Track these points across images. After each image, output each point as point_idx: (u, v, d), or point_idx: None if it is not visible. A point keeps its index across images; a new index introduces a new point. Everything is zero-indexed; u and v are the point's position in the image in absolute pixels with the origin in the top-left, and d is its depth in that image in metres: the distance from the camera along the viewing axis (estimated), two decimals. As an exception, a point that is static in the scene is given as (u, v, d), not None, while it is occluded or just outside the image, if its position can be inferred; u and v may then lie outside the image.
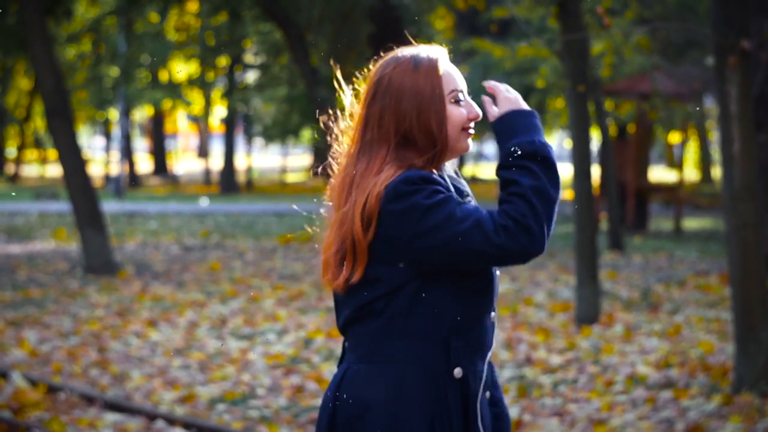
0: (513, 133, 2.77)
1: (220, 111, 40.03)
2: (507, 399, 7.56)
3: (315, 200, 3.07)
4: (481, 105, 2.88)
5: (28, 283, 13.30)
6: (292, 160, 52.40)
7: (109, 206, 24.08)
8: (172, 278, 13.87)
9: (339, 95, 2.99)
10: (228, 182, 36.56)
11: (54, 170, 45.89)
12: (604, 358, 8.79)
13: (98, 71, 33.37)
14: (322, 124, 3.04)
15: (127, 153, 38.10)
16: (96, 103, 36.93)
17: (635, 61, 14.20)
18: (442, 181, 2.78)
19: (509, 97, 2.84)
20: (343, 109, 2.97)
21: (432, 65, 2.84)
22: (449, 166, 2.93)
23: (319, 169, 3.02)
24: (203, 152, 46.99)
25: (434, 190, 2.72)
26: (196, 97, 38.94)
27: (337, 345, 9.19)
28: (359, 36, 17.28)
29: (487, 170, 49.46)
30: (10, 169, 44.19)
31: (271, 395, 7.81)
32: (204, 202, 30.62)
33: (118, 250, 16.30)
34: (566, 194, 20.03)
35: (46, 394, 7.59)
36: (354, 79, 2.97)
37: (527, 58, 13.21)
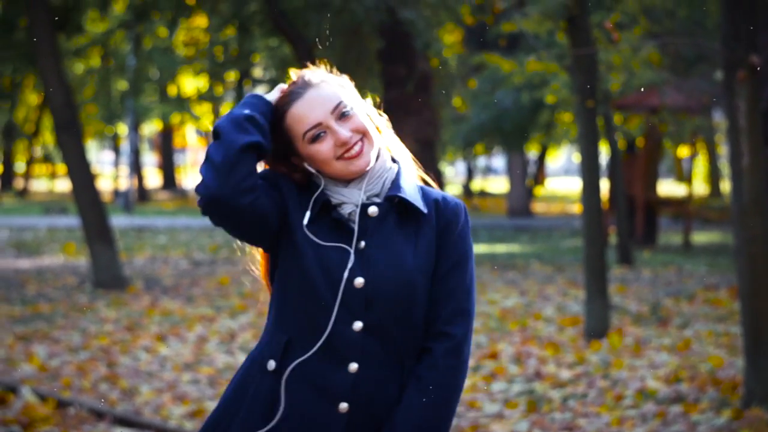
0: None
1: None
2: (516, 413, 7.57)
3: None
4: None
5: (38, 298, 13.31)
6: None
7: (118, 221, 24.12)
8: (181, 293, 13.88)
9: None
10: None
11: (63, 185, 45.99)
12: (613, 373, 8.78)
13: (107, 86, 33.43)
14: None
15: (136, 167, 38.17)
16: (105, 117, 36.98)
17: (644, 75, 14.19)
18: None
19: None
20: None
21: (281, 117, 3.02)
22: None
23: None
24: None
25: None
26: (205, 112, 39.01)
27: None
28: (368, 51, 17.31)
29: (496, 184, 49.41)
30: (19, 183, 44.28)
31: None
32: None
33: (127, 265, 16.32)
34: (576, 208, 19.99)
35: (56, 409, 7.60)
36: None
37: (537, 72, 13.20)
